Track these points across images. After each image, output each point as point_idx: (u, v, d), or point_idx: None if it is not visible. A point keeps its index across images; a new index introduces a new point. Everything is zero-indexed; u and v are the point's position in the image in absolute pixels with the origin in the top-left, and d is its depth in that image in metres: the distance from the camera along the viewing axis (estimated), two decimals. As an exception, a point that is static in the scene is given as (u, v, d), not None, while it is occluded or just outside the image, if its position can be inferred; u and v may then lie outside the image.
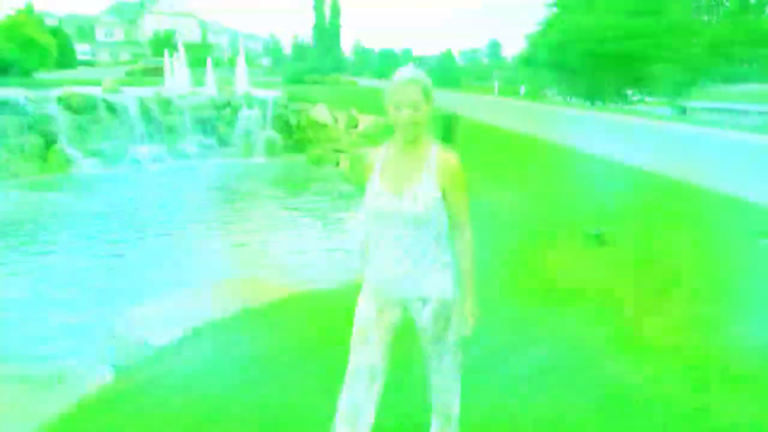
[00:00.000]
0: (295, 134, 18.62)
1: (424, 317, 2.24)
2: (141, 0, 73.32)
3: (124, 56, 64.93)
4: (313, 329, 4.12)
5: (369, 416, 2.29)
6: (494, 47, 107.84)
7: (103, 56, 63.32)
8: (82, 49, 52.86)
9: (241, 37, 31.28)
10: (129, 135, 15.17)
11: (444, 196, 2.13)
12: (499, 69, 52.30)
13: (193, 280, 6.40)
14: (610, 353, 3.76)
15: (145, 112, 15.55)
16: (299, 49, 58.97)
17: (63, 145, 13.84)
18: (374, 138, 17.71)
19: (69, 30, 55.14)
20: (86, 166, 13.99)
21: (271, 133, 17.88)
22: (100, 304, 5.89)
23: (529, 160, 12.14)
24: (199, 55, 29.91)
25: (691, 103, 25.18)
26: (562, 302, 4.70)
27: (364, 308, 2.28)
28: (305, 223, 9.99)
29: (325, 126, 18.19)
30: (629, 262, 5.60)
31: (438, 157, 2.14)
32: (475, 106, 23.64)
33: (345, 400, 2.28)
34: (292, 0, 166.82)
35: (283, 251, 8.05)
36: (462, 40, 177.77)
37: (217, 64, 26.08)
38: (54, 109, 13.88)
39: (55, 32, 35.88)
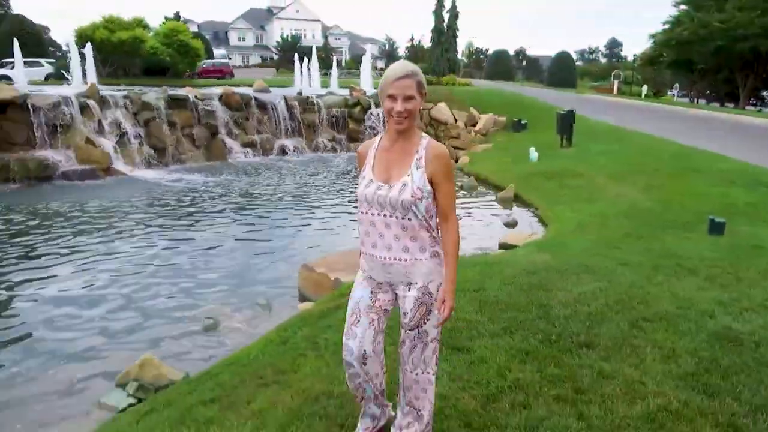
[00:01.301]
0: (417, 131, 19.88)
1: (408, 301, 2.28)
2: (269, 6, 78.85)
3: (254, 59, 70.39)
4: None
5: (378, 393, 2.49)
6: (614, 46, 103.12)
7: (236, 60, 68.92)
8: (219, 53, 57.84)
9: (368, 42, 33.08)
10: (276, 129, 17.25)
11: (433, 187, 2.18)
12: (619, 68, 50.37)
13: (346, 242, 7.75)
14: (721, 310, 4.45)
15: (289, 110, 17.55)
16: (414, 52, 60.60)
17: (223, 136, 16.11)
18: (492, 136, 18.50)
19: (206, 35, 60.76)
20: (241, 155, 16.17)
21: (395, 130, 19.24)
22: (282, 257, 7.40)
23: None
24: (322, 58, 32.08)
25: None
26: (683, 273, 5.40)
27: (359, 292, 2.37)
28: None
29: (445, 124, 19.25)
30: (744, 246, 6.11)
31: (429, 147, 2.19)
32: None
33: (348, 382, 2.47)
34: (410, 4, 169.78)
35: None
36: (580, 38, 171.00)
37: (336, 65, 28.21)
38: (216, 106, 16.18)
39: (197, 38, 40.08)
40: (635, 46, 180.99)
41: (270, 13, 77.69)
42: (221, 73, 34.33)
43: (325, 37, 71.67)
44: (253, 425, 3.01)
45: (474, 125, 19.06)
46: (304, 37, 68.39)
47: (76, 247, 7.83)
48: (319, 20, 76.40)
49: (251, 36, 76.81)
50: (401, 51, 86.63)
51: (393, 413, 2.74)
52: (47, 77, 25.11)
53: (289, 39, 62.07)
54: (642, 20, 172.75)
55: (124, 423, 3.44)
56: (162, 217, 9.63)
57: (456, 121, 19.28)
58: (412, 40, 68.84)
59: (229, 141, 16.09)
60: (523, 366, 3.53)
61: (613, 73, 46.05)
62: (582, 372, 3.46)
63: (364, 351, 2.32)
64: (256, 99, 17.13)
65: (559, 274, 5.31)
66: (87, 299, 5.93)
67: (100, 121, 13.47)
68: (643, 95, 40.28)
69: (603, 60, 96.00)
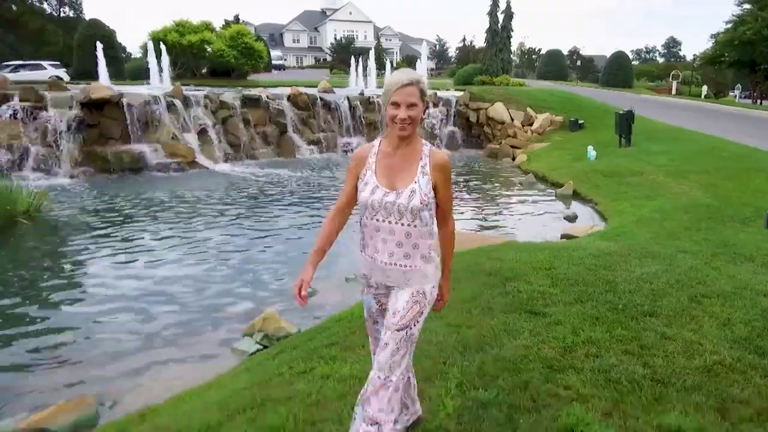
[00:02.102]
0: (473, 130, 20.42)
1: (401, 298, 2.30)
2: (323, 8, 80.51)
3: (308, 61, 72.11)
4: (520, 258, 5.78)
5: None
6: (672, 45, 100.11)
7: (291, 61, 70.65)
8: (275, 54, 59.52)
9: (419, 43, 33.76)
10: (339, 128, 18.18)
11: (435, 191, 2.27)
12: (677, 68, 49.11)
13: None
14: (775, 290, 4.90)
15: (351, 109, 18.44)
16: (466, 52, 60.79)
17: (291, 134, 17.14)
18: (548, 135, 18.81)
19: (263, 37, 62.56)
20: (307, 152, 17.17)
21: (453, 129, 19.87)
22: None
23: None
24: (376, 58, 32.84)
25: None
26: (740, 260, 5.83)
27: (366, 300, 2.47)
28: (487, 202, 11.64)
29: (502, 123, 19.69)
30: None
31: (432, 154, 2.27)
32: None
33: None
34: (460, 5, 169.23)
35: (476, 221, 9.79)
36: (637, 38, 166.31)
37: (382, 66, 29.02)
38: (285, 105, 17.21)
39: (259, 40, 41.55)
40: (695, 45, 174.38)
41: (324, 15, 79.20)
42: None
43: (378, 38, 72.53)
44: (370, 360, 3.73)
45: (530, 125, 19.42)
46: (357, 38, 69.48)
47: (177, 230, 8.84)
48: (371, 22, 77.35)
49: (305, 38, 78.50)
50: (451, 51, 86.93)
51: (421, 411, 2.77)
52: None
53: (343, 41, 63.36)
54: (703, 19, 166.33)
55: (262, 359, 4.24)
56: (248, 205, 10.65)
57: (512, 120, 19.68)
58: (464, 40, 68.98)
59: (296, 138, 17.09)
60: (593, 327, 4.12)
61: (671, 74, 44.99)
62: (646, 334, 4.02)
63: None
64: (321, 99, 18.09)
65: (623, 258, 5.84)
66: (196, 273, 6.85)
67: (184, 119, 14.69)
68: (702, 96, 39.28)
69: (660, 60, 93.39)
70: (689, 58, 66.60)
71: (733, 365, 3.58)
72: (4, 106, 12.67)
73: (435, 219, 2.35)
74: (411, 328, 2.31)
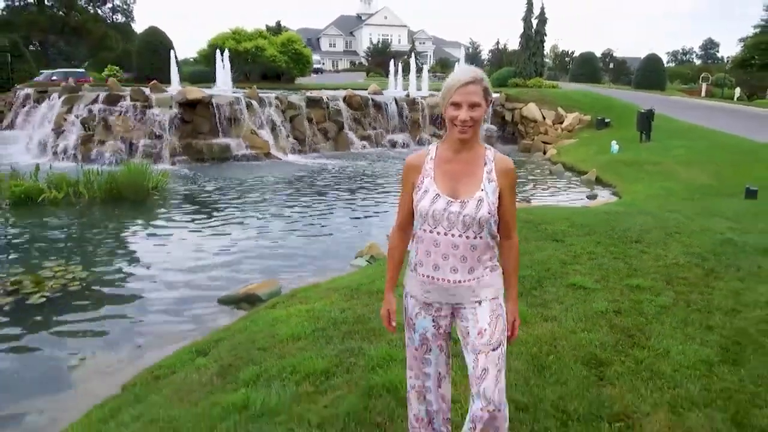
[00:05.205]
0: (508, 127, 22.47)
1: (482, 315, 2.10)
2: (359, 13, 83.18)
3: (343, 64, 74.86)
4: (547, 213, 7.89)
5: (445, 420, 2.32)
6: (710, 47, 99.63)
7: (327, 64, 73.38)
8: (314, 59, 62.16)
9: (452, 46, 35.82)
10: (387, 125, 20.49)
11: (499, 201, 2.07)
12: (710, 71, 49.90)
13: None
14: (730, 231, 6.90)
15: (398, 109, 20.74)
16: (500, 55, 62.51)
17: (346, 131, 19.52)
18: (577, 132, 20.70)
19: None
20: (359, 146, 19.52)
21: (489, 126, 21.93)
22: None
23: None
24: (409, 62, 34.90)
25: None
26: (714, 216, 7.85)
27: (422, 322, 2.18)
28: (522, 186, 13.69)
29: (534, 121, 21.68)
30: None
31: (497, 160, 2.10)
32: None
33: (417, 409, 2.29)
34: (492, 8, 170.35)
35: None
36: (674, 40, 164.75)
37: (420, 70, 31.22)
38: (341, 106, 19.60)
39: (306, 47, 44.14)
40: (734, 47, 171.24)
41: (359, 19, 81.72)
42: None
43: (412, 42, 74.62)
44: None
45: (561, 123, 21.34)
46: (391, 42, 71.70)
47: (273, 202, 11.22)
48: (405, 26, 79.45)
49: (341, 42, 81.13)
50: (484, 54, 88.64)
51: None
52: None
53: (379, 45, 65.70)
54: (743, 21, 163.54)
55: (376, 266, 6.48)
56: (322, 185, 13.02)
57: (544, 119, 21.65)
58: (497, 43, 70.73)
59: (350, 135, 19.49)
60: (595, 247, 6.22)
61: (701, 76, 45.94)
62: (630, 251, 6.10)
63: (439, 372, 2.26)
64: (372, 100, 20.43)
65: (626, 214, 7.90)
66: (299, 228, 9.16)
67: (259, 117, 17.19)
68: (735, 98, 40.20)
69: (697, 62, 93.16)
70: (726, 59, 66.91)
71: (684, 265, 5.64)
72: (122, 103, 15.41)
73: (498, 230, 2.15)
74: (503, 344, 2.11)
